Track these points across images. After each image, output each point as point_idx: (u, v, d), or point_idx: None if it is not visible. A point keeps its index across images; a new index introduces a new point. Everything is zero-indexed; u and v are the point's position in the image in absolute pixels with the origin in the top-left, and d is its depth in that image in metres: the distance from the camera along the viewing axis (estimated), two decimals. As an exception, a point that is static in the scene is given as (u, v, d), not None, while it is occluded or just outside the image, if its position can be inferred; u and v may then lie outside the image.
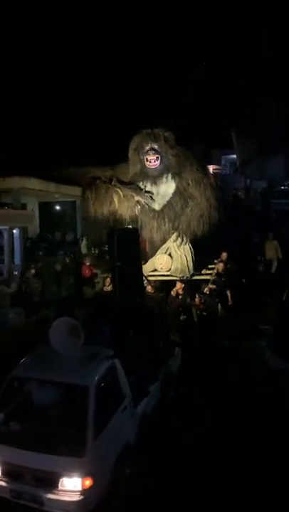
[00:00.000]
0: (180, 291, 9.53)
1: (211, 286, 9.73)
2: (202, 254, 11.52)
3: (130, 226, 10.91)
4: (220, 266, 10.50)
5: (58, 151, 17.37)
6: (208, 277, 10.53)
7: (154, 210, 11.34)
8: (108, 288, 9.52)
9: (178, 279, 10.47)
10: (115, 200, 10.85)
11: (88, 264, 12.38)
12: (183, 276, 10.67)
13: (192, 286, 9.78)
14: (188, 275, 10.88)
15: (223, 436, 5.43)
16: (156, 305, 5.98)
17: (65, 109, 19.53)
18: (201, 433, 5.48)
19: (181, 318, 7.84)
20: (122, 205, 10.97)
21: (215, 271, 10.68)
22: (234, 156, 20.68)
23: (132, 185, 11.10)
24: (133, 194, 10.95)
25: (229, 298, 9.85)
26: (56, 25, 20.57)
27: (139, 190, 11.05)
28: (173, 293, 9.52)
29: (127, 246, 5.70)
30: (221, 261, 10.77)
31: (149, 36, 20.43)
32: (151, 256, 11.67)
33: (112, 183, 10.88)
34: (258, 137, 18.79)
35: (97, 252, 14.77)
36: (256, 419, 5.78)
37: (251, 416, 5.82)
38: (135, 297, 5.73)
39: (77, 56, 20.57)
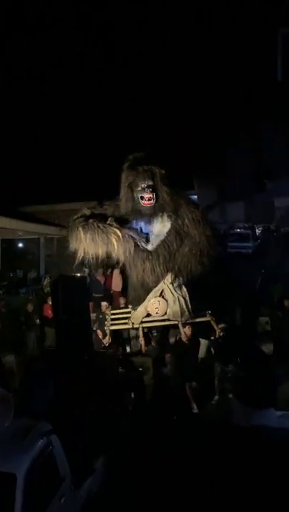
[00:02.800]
0: (189, 336, 8.93)
1: (220, 326, 9.10)
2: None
3: (78, 274, 9.82)
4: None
5: (23, 186, 16.55)
6: (208, 318, 9.76)
7: (146, 250, 10.17)
8: None
9: (177, 322, 9.67)
10: (114, 241, 9.55)
11: (51, 303, 11.37)
12: (186, 320, 9.72)
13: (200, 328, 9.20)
14: (188, 318, 9.85)
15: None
16: (107, 363, 5.05)
17: (33, 147, 18.88)
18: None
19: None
20: (121, 246, 9.70)
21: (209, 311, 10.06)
22: (196, 196, 20.53)
23: (127, 224, 10.01)
24: (131, 235, 9.79)
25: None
26: (44, 53, 19.99)
27: (136, 231, 9.98)
28: (184, 338, 8.84)
29: (74, 296, 4.80)
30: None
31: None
32: (137, 299, 10.47)
33: (108, 222, 9.62)
34: (219, 185, 18.80)
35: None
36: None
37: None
38: (82, 355, 4.77)
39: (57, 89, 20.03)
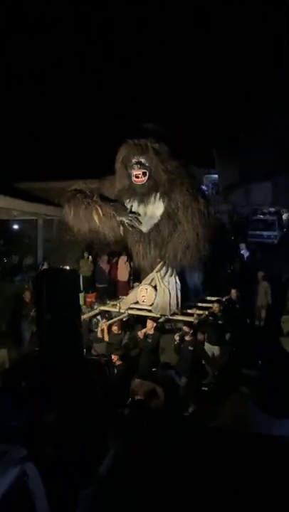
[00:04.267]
0: (150, 331, 8.63)
1: (186, 329, 8.55)
2: (192, 291, 10.72)
3: (67, 267, 9.88)
4: (215, 306, 9.46)
5: (19, 160, 16.15)
6: (191, 319, 9.52)
7: (140, 232, 10.32)
8: None
9: (158, 316, 9.71)
10: (95, 218, 9.94)
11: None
12: (162, 316, 9.79)
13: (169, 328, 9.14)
14: (168, 314, 9.83)
15: None
16: (101, 374, 4.61)
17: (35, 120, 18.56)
18: None
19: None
20: (104, 224, 10.11)
21: (206, 312, 9.75)
22: (217, 176, 19.78)
23: (116, 202, 10.13)
24: (114, 214, 9.98)
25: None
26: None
27: (122, 210, 10.04)
28: (140, 334, 8.68)
29: (62, 293, 4.35)
30: (218, 300, 9.85)
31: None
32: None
33: (94, 198, 9.95)
34: (242, 162, 17.96)
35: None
36: None
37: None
38: (70, 364, 4.33)
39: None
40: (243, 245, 15.47)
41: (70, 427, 4.19)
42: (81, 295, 14.46)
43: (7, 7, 19.81)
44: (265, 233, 17.44)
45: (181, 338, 8.48)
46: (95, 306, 11.16)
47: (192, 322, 9.30)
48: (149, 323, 8.83)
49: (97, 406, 4.44)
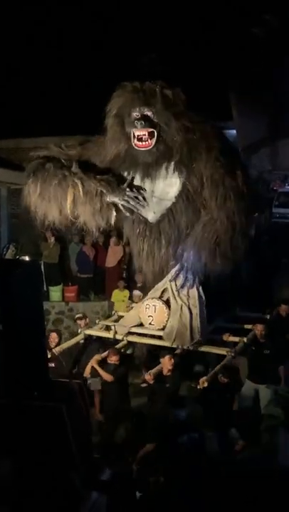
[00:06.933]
0: (167, 373, 8.11)
1: (223, 379, 8.11)
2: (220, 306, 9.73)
3: (26, 257, 9.27)
4: (259, 329, 8.83)
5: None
6: (224, 351, 8.65)
7: (145, 221, 9.21)
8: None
9: (175, 347, 8.80)
10: (69, 198, 8.75)
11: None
12: (178, 346, 8.83)
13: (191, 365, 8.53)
14: (188, 344, 8.69)
15: None
16: (70, 401, 4.19)
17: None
18: None
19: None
20: (84, 207, 8.87)
21: (245, 338, 8.93)
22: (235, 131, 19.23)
23: (106, 175, 8.89)
24: (104, 191, 8.72)
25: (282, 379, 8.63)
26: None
27: (116, 186, 8.78)
28: (148, 377, 8.08)
29: (19, 294, 3.93)
30: (262, 320, 9.22)
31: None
32: (146, 288, 9.98)
33: (72, 169, 8.72)
34: (269, 113, 17.30)
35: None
36: None
37: None
38: (30, 390, 3.95)
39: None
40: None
41: (29, 488, 3.80)
42: (58, 288, 14.33)
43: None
44: None
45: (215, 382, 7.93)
46: (79, 330, 10.24)
47: (228, 355, 8.45)
48: (166, 360, 8.09)
49: (71, 458, 4.04)
